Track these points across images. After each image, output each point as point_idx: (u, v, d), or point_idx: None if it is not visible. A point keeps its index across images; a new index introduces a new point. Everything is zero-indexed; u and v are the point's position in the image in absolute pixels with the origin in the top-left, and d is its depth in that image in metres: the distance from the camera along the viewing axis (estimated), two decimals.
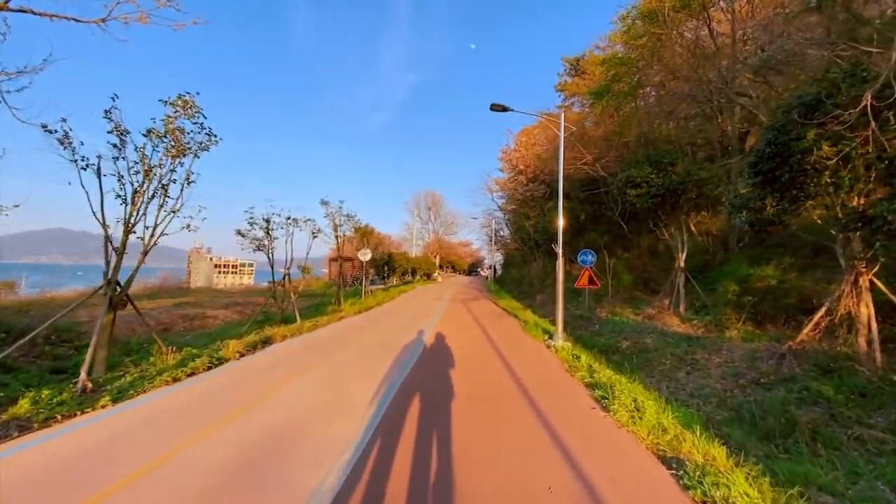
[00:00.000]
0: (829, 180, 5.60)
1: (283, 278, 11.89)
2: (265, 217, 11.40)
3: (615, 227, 23.41)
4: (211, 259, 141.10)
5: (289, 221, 11.85)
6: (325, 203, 16.46)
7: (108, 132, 6.29)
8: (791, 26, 12.53)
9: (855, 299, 6.27)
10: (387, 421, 4.67)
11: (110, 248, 6.42)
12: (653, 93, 21.17)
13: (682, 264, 11.90)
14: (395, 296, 23.62)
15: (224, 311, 13.71)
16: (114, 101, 6.33)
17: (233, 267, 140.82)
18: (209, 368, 6.75)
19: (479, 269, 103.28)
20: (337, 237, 16.98)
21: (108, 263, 6.41)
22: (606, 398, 5.43)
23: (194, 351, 7.36)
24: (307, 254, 12.59)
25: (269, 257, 11.61)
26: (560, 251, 9.79)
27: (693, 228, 18.44)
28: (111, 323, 6.68)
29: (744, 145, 16.19)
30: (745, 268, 10.87)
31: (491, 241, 43.25)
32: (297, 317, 11.60)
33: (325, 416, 4.82)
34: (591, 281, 15.39)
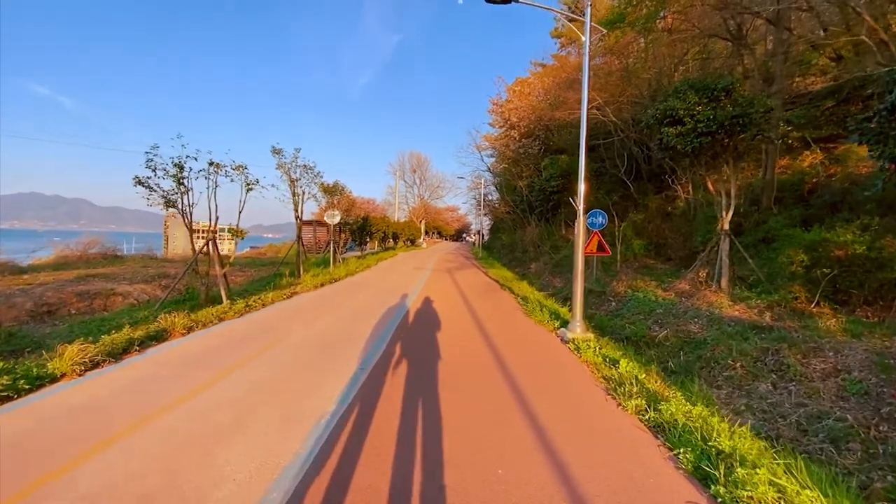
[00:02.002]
0: None
1: (206, 245, 8.92)
2: (176, 161, 8.28)
3: (618, 186, 20.67)
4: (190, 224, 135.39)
5: (211, 168, 8.74)
6: (276, 151, 13.27)
7: None
8: None
9: None
10: None
11: None
12: (668, 26, 17.95)
13: (727, 226, 9.27)
14: (371, 264, 20.80)
15: (143, 286, 10.76)
16: None
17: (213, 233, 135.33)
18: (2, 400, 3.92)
19: (465, 235, 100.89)
20: (294, 194, 13.91)
21: None
22: (712, 472, 2.81)
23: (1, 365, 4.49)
24: (240, 211, 9.61)
25: (183, 215, 8.59)
26: (581, 205, 7.00)
27: (710, 185, 15.90)
28: None
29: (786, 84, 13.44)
30: (818, 231, 8.29)
31: (479, 204, 40.23)
32: (224, 296, 8.72)
33: None
34: (600, 247, 12.84)
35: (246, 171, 9.26)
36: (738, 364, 5.73)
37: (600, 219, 13.03)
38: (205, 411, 3.79)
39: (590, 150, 22.83)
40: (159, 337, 6.10)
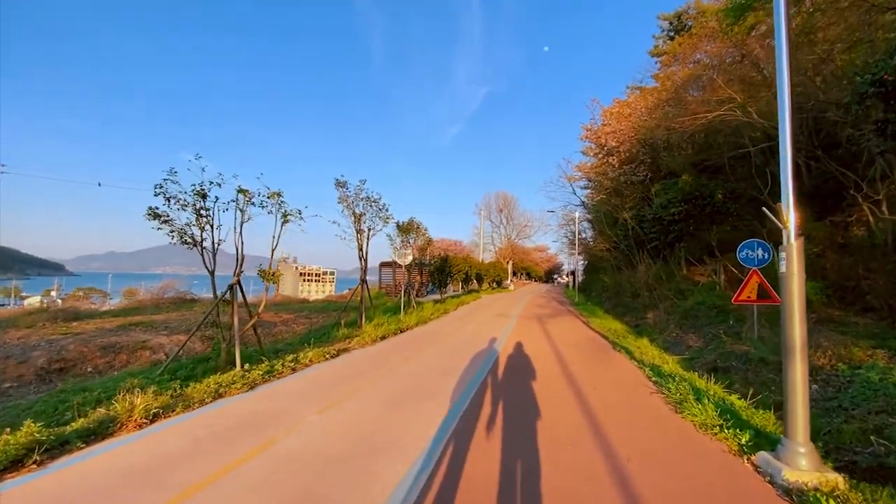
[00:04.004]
0: None
1: (228, 291, 7.15)
2: (198, 189, 6.78)
3: (759, 212, 15.93)
4: (296, 268, 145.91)
5: (241, 197, 7.11)
6: (340, 184, 11.79)
7: None
8: None
9: None
10: None
11: None
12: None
13: None
14: (449, 309, 18.34)
15: (182, 338, 9.44)
16: None
17: (315, 275, 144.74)
18: None
19: (556, 276, 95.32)
20: (358, 231, 12.18)
21: None
22: None
23: None
24: (273, 248, 7.75)
25: (202, 255, 6.96)
26: (792, 223, 3.77)
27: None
28: None
29: None
30: None
31: (573, 241, 36.27)
32: (238, 360, 6.73)
33: None
34: (762, 293, 9.12)
35: (281, 199, 7.50)
36: None
37: (760, 251, 9.30)
38: None
39: (715, 170, 18.49)
40: (99, 431, 4.08)
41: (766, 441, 4.03)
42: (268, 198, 7.48)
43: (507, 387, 6.05)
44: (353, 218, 12.02)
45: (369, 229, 12.43)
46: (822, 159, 12.32)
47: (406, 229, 16.83)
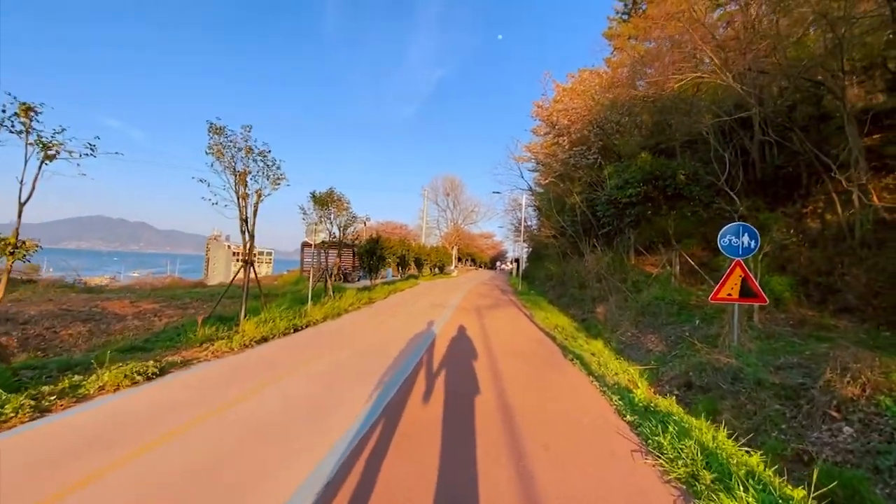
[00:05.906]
0: None
1: None
2: None
3: (718, 201, 14.46)
4: (229, 247, 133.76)
5: None
6: (216, 131, 8.62)
7: None
8: None
9: None
10: None
11: None
12: None
13: None
14: (376, 299, 15.62)
15: None
16: None
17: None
18: None
19: (500, 264, 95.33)
20: (241, 196, 9.07)
21: None
22: None
23: None
24: (21, 202, 4.57)
25: None
26: None
27: (875, 197, 10.31)
28: None
29: None
30: None
31: (518, 227, 34.67)
32: None
33: None
34: (747, 291, 7.35)
35: (35, 116, 4.37)
36: None
37: (746, 238, 7.42)
38: None
39: (668, 154, 17.08)
40: None
41: None
42: (15, 115, 4.31)
43: (414, 450, 3.55)
44: (233, 178, 8.90)
45: (258, 193, 9.37)
46: (796, 139, 10.91)
47: (323, 202, 13.80)
